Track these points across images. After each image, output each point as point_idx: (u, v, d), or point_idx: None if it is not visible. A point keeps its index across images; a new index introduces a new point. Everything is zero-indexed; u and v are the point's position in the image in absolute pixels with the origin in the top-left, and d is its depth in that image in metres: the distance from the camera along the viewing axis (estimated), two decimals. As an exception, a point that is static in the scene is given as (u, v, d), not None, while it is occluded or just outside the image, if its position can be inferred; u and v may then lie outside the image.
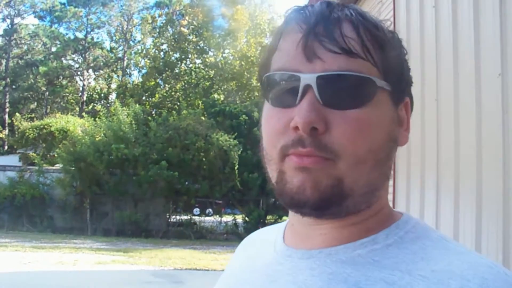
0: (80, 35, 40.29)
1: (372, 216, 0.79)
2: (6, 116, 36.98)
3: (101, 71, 39.79)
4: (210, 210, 22.36)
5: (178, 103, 28.83)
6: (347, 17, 0.75)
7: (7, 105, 37.65)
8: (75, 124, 24.90)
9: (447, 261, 0.70)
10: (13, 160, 25.23)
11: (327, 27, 0.73)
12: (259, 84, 0.84)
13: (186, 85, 30.95)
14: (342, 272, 0.74)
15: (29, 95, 39.79)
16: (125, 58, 38.65)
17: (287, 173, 0.74)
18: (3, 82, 38.25)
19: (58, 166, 21.49)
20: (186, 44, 31.32)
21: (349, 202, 0.74)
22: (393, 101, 0.79)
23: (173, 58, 31.94)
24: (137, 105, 23.03)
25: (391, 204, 3.57)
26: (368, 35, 0.75)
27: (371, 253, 0.75)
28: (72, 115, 32.35)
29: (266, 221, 20.38)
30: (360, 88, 0.73)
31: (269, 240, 0.92)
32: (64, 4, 40.51)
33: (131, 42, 39.99)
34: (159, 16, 35.95)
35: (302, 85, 0.72)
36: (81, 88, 39.37)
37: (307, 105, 0.71)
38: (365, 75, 0.73)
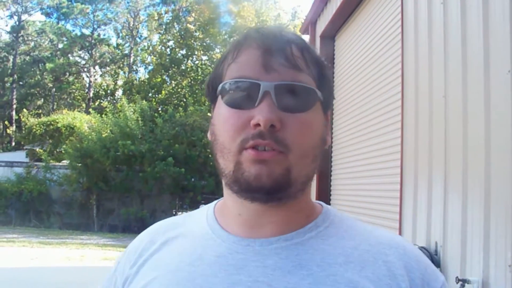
0: (86, 31, 40.28)
1: (306, 204, 0.98)
2: (13, 112, 37.08)
3: (108, 68, 39.78)
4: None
5: (185, 100, 28.81)
6: (294, 40, 0.94)
7: (14, 101, 37.74)
8: (82, 121, 24.94)
9: (375, 235, 0.96)
10: (20, 156, 25.34)
11: (280, 47, 0.91)
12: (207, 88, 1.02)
13: (192, 82, 30.93)
14: (305, 252, 0.91)
15: (36, 92, 39.85)
16: (132, 55, 38.62)
17: (244, 164, 0.88)
18: (10, 78, 38.32)
19: (65, 162, 21.56)
20: (192, 41, 31.28)
21: (293, 189, 0.90)
22: (323, 109, 0.97)
23: (179, 54, 31.91)
24: (144, 101, 23.06)
25: (397, 202, 3.56)
26: (309, 56, 0.94)
27: (318, 234, 0.95)
28: (79, 111, 32.41)
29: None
30: (306, 96, 0.91)
31: (196, 233, 1.00)
32: (71, 1, 40.45)
33: (137, 39, 39.94)
34: (166, 12, 35.91)
35: (262, 91, 0.88)
36: (87, 85, 39.38)
37: (267, 107, 0.87)
38: (311, 86, 0.92)
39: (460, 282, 3.02)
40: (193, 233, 1.01)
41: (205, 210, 1.07)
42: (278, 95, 0.88)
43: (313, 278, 0.87)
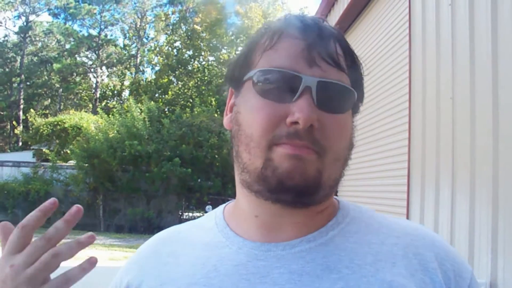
0: (94, 32, 40.41)
1: (329, 205, 0.92)
2: (21, 112, 37.23)
3: (115, 68, 39.87)
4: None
5: (191, 100, 28.85)
6: (337, 37, 0.88)
7: (22, 101, 37.90)
8: (89, 121, 24.99)
9: (400, 226, 0.91)
10: (27, 156, 25.42)
11: (324, 42, 0.85)
12: (232, 70, 0.93)
13: (199, 83, 30.96)
14: (332, 253, 0.85)
15: (43, 92, 40.01)
16: (139, 55, 38.70)
17: (276, 160, 0.81)
18: (18, 79, 38.48)
19: (72, 162, 21.61)
20: (199, 42, 31.31)
21: (321, 193, 0.84)
22: (353, 111, 0.92)
23: (186, 55, 31.95)
24: (152, 102, 23.11)
25: (405, 204, 3.55)
26: (349, 56, 0.89)
27: (341, 232, 0.89)
28: (86, 111, 32.50)
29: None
30: (346, 98, 0.86)
31: (206, 242, 0.93)
32: (78, 1, 40.61)
33: (144, 39, 40.03)
34: (173, 13, 35.98)
35: (303, 85, 0.81)
36: (94, 85, 39.51)
37: (307, 105, 0.80)
38: (350, 88, 0.86)
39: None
40: (203, 242, 0.93)
41: (213, 216, 1.00)
42: (320, 92, 0.82)
43: (345, 282, 0.81)
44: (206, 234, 0.95)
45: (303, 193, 0.82)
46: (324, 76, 0.83)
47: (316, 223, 0.89)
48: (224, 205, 1.03)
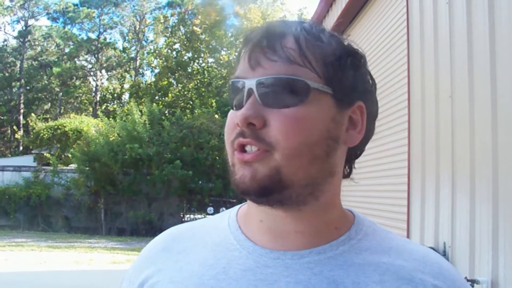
0: (93, 35, 40.45)
1: (335, 213, 0.91)
2: (21, 117, 37.25)
3: (114, 71, 39.91)
4: (224, 209, 22.07)
5: (191, 102, 28.87)
6: (292, 32, 0.86)
7: (22, 106, 37.92)
8: (89, 124, 25.02)
9: (408, 250, 0.90)
10: (28, 160, 25.43)
11: (269, 41, 0.85)
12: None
13: (199, 84, 30.99)
14: (339, 267, 0.85)
15: (43, 96, 40.04)
16: (138, 58, 38.74)
17: (236, 165, 0.85)
18: (18, 83, 38.51)
19: (73, 166, 21.62)
20: (198, 43, 31.35)
21: (290, 191, 0.83)
22: (336, 103, 0.87)
23: (185, 57, 31.98)
24: (154, 104, 23.13)
25: (405, 203, 3.55)
26: (309, 46, 0.85)
27: (352, 247, 0.88)
28: (86, 115, 32.52)
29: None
30: (294, 89, 0.83)
31: (218, 242, 0.93)
32: (77, 5, 40.69)
33: (143, 42, 40.07)
34: (172, 15, 36.02)
35: (246, 89, 0.83)
36: (94, 89, 39.54)
37: (247, 105, 0.82)
38: (297, 77, 0.83)
39: (469, 283, 3.01)
40: (214, 242, 0.94)
41: (226, 216, 1.00)
42: (262, 91, 0.82)
43: None
44: (218, 234, 0.95)
45: (262, 193, 0.82)
46: (265, 74, 0.83)
47: (326, 235, 0.89)
48: (238, 206, 1.03)
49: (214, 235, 0.95)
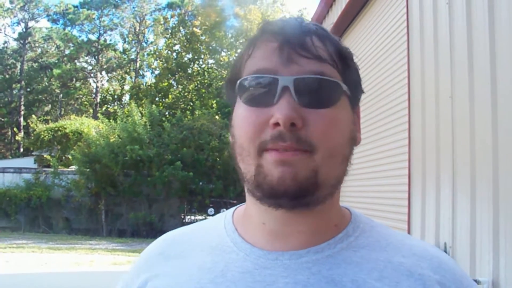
0: (93, 37, 40.48)
1: (335, 211, 0.92)
2: (21, 118, 37.26)
3: (114, 73, 39.93)
4: (225, 210, 22.09)
5: (192, 104, 28.87)
6: (314, 31, 0.86)
7: (22, 107, 37.94)
8: (89, 126, 25.01)
9: (407, 245, 0.90)
10: (28, 162, 25.44)
11: (299, 38, 0.84)
12: (226, 89, 0.94)
13: (199, 86, 31.00)
14: (338, 266, 0.84)
15: (43, 98, 40.05)
16: (138, 60, 38.75)
17: (266, 167, 0.81)
18: (18, 85, 38.53)
19: (73, 167, 21.62)
20: (198, 45, 31.34)
21: (321, 192, 0.83)
22: (351, 104, 0.89)
23: (185, 58, 31.98)
24: (154, 105, 23.13)
25: (406, 203, 3.55)
26: (332, 47, 0.86)
27: (349, 245, 0.88)
28: (86, 116, 32.53)
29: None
30: (330, 90, 0.83)
31: (215, 245, 0.92)
32: (77, 6, 40.72)
33: (143, 44, 40.08)
34: (171, 17, 36.02)
35: (280, 86, 0.81)
36: (94, 90, 39.56)
37: (286, 104, 0.79)
38: (334, 79, 0.84)
39: (470, 283, 3.01)
40: (211, 245, 0.93)
41: (222, 219, 0.99)
42: (299, 89, 0.81)
43: None
44: (214, 237, 0.95)
45: (299, 195, 0.81)
46: (302, 72, 0.82)
47: (324, 233, 0.89)
48: (234, 208, 1.02)
49: (211, 238, 0.95)
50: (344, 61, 0.87)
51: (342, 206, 0.95)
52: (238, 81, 0.87)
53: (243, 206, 0.97)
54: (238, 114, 0.87)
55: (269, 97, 0.82)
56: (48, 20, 41.80)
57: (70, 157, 22.33)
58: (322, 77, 0.82)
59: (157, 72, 34.23)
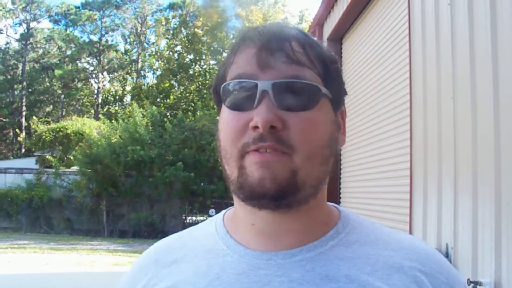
0: (94, 38, 40.47)
1: (323, 210, 0.95)
2: (23, 119, 37.28)
3: (116, 74, 39.92)
4: (226, 210, 22.28)
5: (193, 104, 28.88)
6: (294, 36, 0.89)
7: (24, 108, 37.96)
8: (91, 127, 25.02)
9: (395, 239, 0.93)
10: (30, 163, 25.47)
11: (278, 43, 0.86)
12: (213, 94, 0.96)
13: (200, 86, 31.00)
14: (331, 262, 0.87)
15: (45, 98, 40.06)
16: (140, 60, 38.74)
17: (248, 168, 0.84)
18: (20, 85, 38.55)
19: (75, 168, 21.63)
20: (200, 45, 31.37)
21: (302, 193, 0.85)
22: (333, 107, 0.92)
23: (187, 59, 32.01)
24: (154, 106, 23.14)
25: (407, 204, 3.54)
26: (312, 51, 0.88)
27: (340, 242, 0.91)
28: (88, 117, 32.53)
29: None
30: (308, 93, 0.86)
31: (208, 249, 0.94)
32: (78, 7, 40.71)
33: (145, 44, 40.06)
34: (173, 17, 36.03)
35: (260, 90, 0.83)
36: (96, 91, 39.56)
37: (266, 107, 0.82)
38: (312, 82, 0.86)
39: (472, 284, 3.01)
40: (205, 249, 0.95)
41: (213, 223, 1.01)
42: (277, 93, 0.83)
43: None
44: (207, 241, 0.96)
45: (278, 196, 0.83)
46: (281, 76, 0.84)
47: (315, 232, 0.91)
48: (224, 211, 1.04)
49: (204, 243, 0.96)
50: (325, 65, 0.90)
51: (329, 204, 0.98)
52: (222, 86, 0.90)
53: (232, 209, 1.00)
54: (222, 118, 0.90)
55: (250, 101, 0.85)
56: (49, 21, 41.85)
57: (71, 157, 22.34)
58: (300, 81, 0.85)
59: (158, 73, 34.25)
